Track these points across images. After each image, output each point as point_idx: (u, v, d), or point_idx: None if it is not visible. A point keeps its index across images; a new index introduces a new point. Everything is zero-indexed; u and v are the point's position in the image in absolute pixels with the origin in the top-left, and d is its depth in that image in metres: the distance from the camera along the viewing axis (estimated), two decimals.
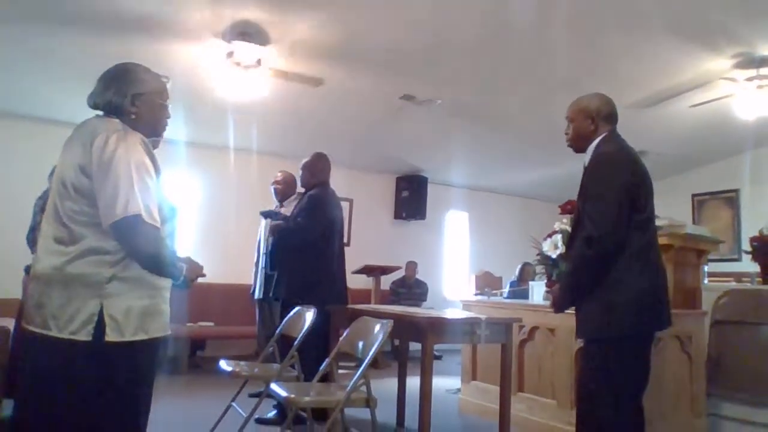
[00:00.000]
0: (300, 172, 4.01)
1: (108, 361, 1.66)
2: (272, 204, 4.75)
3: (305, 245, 3.72)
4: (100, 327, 1.63)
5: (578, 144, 2.48)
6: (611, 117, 2.43)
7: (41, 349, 1.64)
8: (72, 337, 1.61)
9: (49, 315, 1.63)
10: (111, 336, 1.65)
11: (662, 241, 3.07)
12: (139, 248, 1.68)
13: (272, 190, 4.69)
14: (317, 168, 3.95)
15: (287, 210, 4.54)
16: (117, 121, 1.77)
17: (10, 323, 2.87)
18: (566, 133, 2.52)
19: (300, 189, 4.39)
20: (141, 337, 1.71)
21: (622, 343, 2.25)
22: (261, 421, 3.58)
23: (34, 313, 1.65)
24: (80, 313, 1.63)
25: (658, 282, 2.33)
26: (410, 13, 4.03)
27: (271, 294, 4.08)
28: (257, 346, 4.59)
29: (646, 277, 2.27)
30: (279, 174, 4.73)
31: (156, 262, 1.72)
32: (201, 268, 1.91)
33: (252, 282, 4.73)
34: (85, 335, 1.62)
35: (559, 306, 2.51)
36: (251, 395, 3.60)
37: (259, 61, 4.21)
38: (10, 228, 5.11)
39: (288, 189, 4.66)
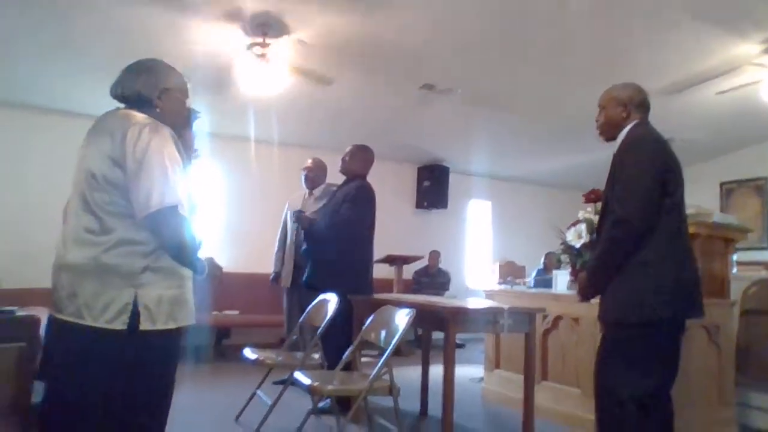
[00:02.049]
0: (346, 158, 4.00)
1: (141, 348, 1.71)
2: (300, 190, 4.71)
3: (357, 235, 3.78)
4: (134, 316, 1.68)
5: (609, 132, 2.46)
6: (643, 105, 2.42)
7: (75, 338, 1.68)
8: (107, 326, 1.66)
9: (83, 304, 1.66)
10: (144, 325, 1.69)
11: (689, 229, 3.02)
12: (174, 238, 1.72)
13: (302, 177, 4.64)
14: (365, 159, 4.01)
15: (316, 201, 4.52)
16: (144, 115, 1.80)
17: (38, 311, 2.94)
18: (597, 120, 2.51)
19: (330, 180, 4.41)
20: (171, 325, 1.76)
21: (646, 329, 2.20)
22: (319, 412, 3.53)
23: (67, 303, 1.68)
24: (115, 303, 1.67)
25: (689, 269, 2.28)
26: (429, 3, 4.00)
27: (305, 281, 4.00)
28: (286, 334, 4.61)
29: (676, 263, 2.22)
30: (309, 161, 4.67)
31: (187, 253, 1.78)
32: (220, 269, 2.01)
33: (273, 269, 4.75)
34: (120, 324, 1.67)
35: (585, 293, 2.47)
36: (276, 383, 3.64)
37: (278, 53, 4.22)
38: (31, 219, 5.26)
39: (319, 176, 4.61)
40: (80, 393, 1.68)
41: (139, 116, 1.77)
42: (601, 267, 2.34)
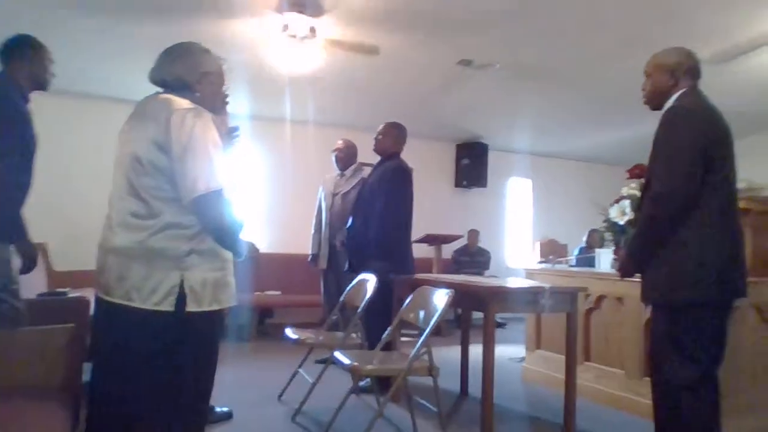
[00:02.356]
0: (379, 137, 4.00)
1: (187, 329, 1.75)
2: (332, 171, 4.77)
3: (398, 217, 3.81)
4: (180, 298, 1.72)
5: (655, 101, 2.34)
6: (692, 72, 2.28)
7: (123, 319, 1.72)
8: (156, 308, 1.70)
9: (132, 287, 1.70)
10: (191, 306, 1.73)
11: (740, 205, 2.90)
12: (218, 222, 1.75)
13: (333, 158, 4.71)
14: (398, 137, 4.01)
15: (348, 182, 4.57)
16: (185, 100, 1.81)
17: (88, 293, 3.06)
18: (643, 89, 2.38)
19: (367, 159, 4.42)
20: (215, 307, 1.81)
21: (688, 310, 2.11)
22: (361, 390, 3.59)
23: (115, 285, 1.72)
24: (162, 285, 1.71)
25: (733, 248, 2.17)
26: None
27: (347, 264, 4.06)
28: (324, 314, 4.69)
29: (719, 241, 2.12)
30: (340, 142, 4.73)
31: (230, 236, 1.80)
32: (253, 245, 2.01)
33: (310, 251, 4.80)
34: (167, 306, 1.71)
35: (625, 271, 2.40)
36: (317, 362, 3.69)
37: (313, 32, 4.20)
38: (79, 202, 5.43)
39: (349, 157, 4.68)
40: (128, 373, 1.73)
41: (181, 101, 1.79)
42: (640, 244, 2.26)
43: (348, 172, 4.63)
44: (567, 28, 4.65)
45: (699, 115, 2.16)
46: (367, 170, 4.68)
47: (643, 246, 2.24)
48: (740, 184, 2.98)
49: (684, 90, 2.25)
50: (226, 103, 2.40)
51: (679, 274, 2.11)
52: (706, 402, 2.15)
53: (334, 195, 4.61)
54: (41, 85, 2.64)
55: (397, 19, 4.41)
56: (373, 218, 3.79)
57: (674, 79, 2.27)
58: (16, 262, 2.40)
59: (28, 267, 2.46)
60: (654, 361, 2.26)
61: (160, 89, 1.90)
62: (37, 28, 4.30)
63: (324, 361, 3.27)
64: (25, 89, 2.53)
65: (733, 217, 2.21)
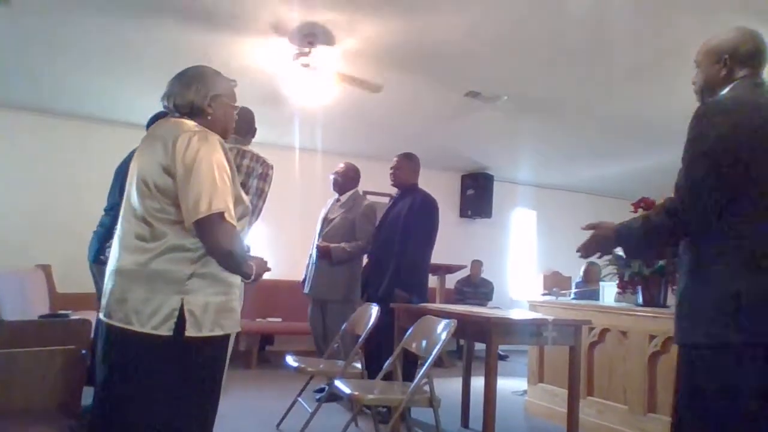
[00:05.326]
0: (396, 172, 4.18)
1: (186, 355, 1.72)
2: (332, 196, 4.67)
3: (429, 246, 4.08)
4: (180, 322, 1.69)
5: (706, 98, 1.88)
6: (752, 58, 1.79)
7: (122, 343, 1.71)
8: (153, 332, 1.67)
9: (132, 310, 1.68)
10: (190, 331, 1.70)
11: None
12: (220, 245, 1.71)
13: (331, 181, 4.57)
14: (415, 167, 4.22)
15: (341, 207, 4.48)
16: (194, 123, 1.83)
17: (89, 315, 3.06)
18: (693, 83, 1.93)
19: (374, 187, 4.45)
20: (217, 332, 1.77)
21: (707, 352, 1.65)
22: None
23: (116, 308, 1.71)
24: (162, 309, 1.68)
25: None
26: (475, 9, 3.98)
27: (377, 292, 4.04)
28: (315, 341, 4.48)
29: (752, 271, 1.60)
30: (341, 165, 4.60)
31: (233, 260, 1.76)
32: (266, 263, 1.96)
33: (303, 276, 4.62)
34: (166, 330, 1.68)
35: (599, 246, 1.93)
36: (316, 391, 3.66)
37: (324, 63, 4.27)
38: (86, 225, 5.43)
39: (347, 182, 4.53)
40: (127, 398, 1.71)
41: (190, 124, 1.80)
42: (639, 230, 1.80)
43: (344, 197, 4.51)
44: (574, 61, 4.71)
45: (727, 109, 1.70)
46: (361, 200, 4.55)
47: (642, 243, 1.82)
48: None
49: (737, 82, 1.77)
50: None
51: (697, 310, 1.68)
52: None
53: (324, 220, 4.50)
54: None
55: (407, 51, 4.48)
56: (403, 246, 3.92)
57: (726, 69, 1.79)
58: None
59: None
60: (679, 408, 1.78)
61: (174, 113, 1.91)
62: (53, 48, 4.43)
63: (322, 390, 3.24)
64: None
65: None
